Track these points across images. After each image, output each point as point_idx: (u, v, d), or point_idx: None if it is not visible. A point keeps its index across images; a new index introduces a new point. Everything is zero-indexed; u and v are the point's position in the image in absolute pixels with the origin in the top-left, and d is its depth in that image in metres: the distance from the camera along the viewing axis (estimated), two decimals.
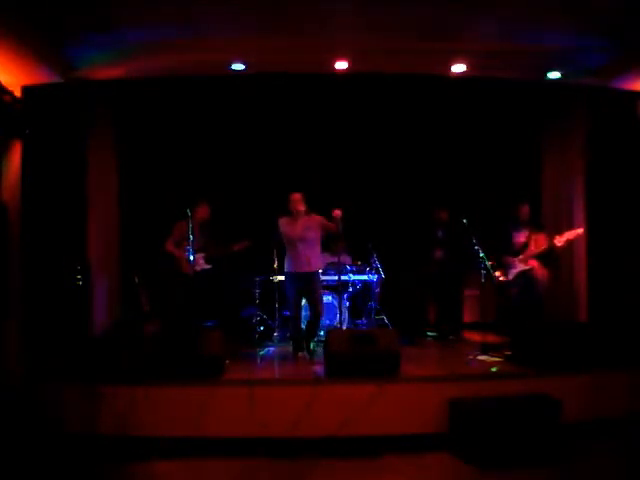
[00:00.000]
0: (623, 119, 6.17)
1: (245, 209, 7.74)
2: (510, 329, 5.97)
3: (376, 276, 7.37)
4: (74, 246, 6.09)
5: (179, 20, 5.30)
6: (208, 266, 6.80)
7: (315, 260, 6.16)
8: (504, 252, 6.60)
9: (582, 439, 4.69)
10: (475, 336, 7.00)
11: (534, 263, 6.48)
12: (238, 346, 6.62)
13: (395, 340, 5.16)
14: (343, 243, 7.12)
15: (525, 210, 6.65)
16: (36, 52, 5.33)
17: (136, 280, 6.96)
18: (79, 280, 6.01)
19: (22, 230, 5.14)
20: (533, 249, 6.45)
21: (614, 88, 6.21)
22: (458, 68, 6.21)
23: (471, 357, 5.76)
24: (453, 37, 5.64)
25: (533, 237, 6.51)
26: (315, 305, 6.15)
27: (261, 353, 6.49)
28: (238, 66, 6.13)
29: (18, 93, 5.07)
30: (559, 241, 6.14)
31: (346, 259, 7.46)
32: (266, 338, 7.16)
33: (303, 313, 6.37)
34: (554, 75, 6.35)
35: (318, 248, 6.25)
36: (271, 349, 6.76)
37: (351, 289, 7.35)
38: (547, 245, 6.30)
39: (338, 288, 6.73)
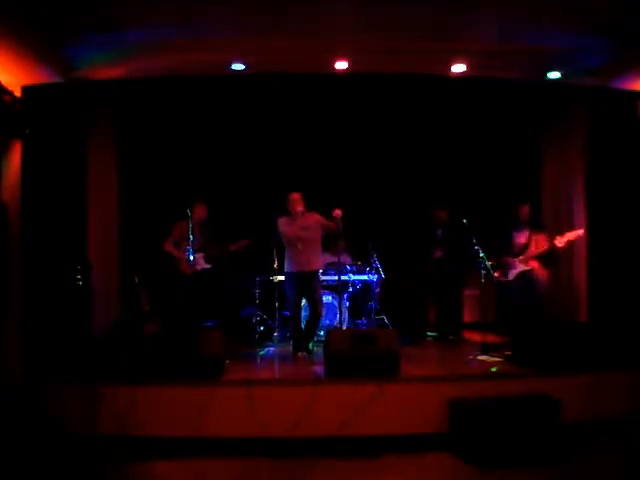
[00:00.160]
0: (623, 119, 6.17)
1: (245, 209, 7.74)
2: (510, 329, 5.97)
3: (376, 276, 7.37)
4: (74, 246, 6.09)
5: (179, 20, 5.30)
6: (208, 266, 6.80)
7: (315, 260, 6.16)
8: (504, 252, 6.60)
9: (582, 439, 4.69)
10: (475, 336, 7.00)
11: (534, 264, 6.47)
12: (238, 346, 6.62)
13: (395, 340, 5.16)
14: (343, 243, 7.13)
15: (525, 210, 6.64)
16: (36, 52, 5.33)
17: (136, 280, 6.96)
18: (79, 280, 6.00)
19: (22, 230, 5.14)
20: (533, 250, 6.45)
21: (614, 88, 6.21)
22: (458, 68, 6.21)
23: (471, 357, 5.76)
24: (453, 37, 5.64)
25: (533, 238, 6.50)
26: (314, 305, 6.15)
27: (261, 353, 6.49)
28: (238, 66, 6.13)
29: (18, 93, 5.07)
30: (560, 242, 6.14)
31: (346, 259, 7.46)
32: (266, 338, 7.16)
33: (303, 313, 6.37)
34: (554, 75, 6.36)
35: (318, 248, 6.26)
36: (271, 349, 6.76)
37: (351, 289, 7.35)
38: (548, 246, 6.30)
39: (338, 288, 6.73)
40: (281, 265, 6.55)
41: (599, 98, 6.41)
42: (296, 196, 6.13)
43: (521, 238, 6.60)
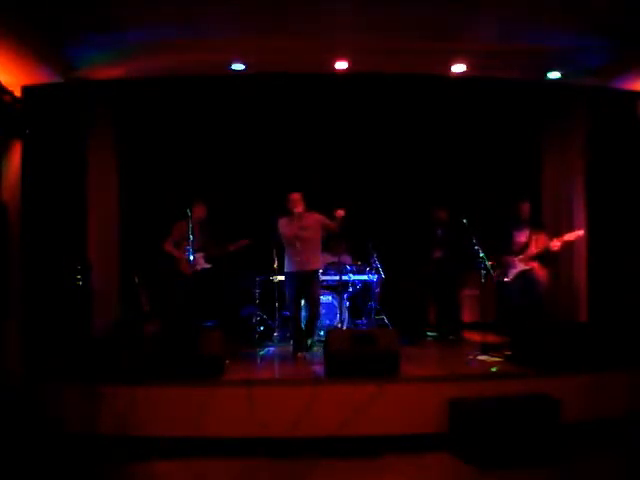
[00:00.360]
0: (623, 119, 6.17)
1: (245, 209, 7.74)
2: (510, 329, 5.97)
3: (376, 276, 7.37)
4: (74, 246, 6.10)
5: (179, 20, 5.30)
6: (208, 265, 6.80)
7: (314, 260, 6.17)
8: (504, 252, 6.60)
9: (582, 439, 4.69)
10: (475, 336, 7.00)
11: (534, 263, 6.47)
12: (238, 346, 6.61)
13: (395, 340, 5.16)
14: (343, 243, 7.14)
15: (526, 208, 6.64)
16: (36, 52, 5.33)
17: (136, 280, 6.96)
18: (79, 280, 6.01)
19: (22, 230, 5.14)
20: (533, 249, 6.45)
21: (614, 88, 6.21)
22: (458, 68, 6.21)
23: (471, 357, 5.76)
24: (453, 37, 5.64)
25: (534, 237, 6.50)
26: (312, 305, 6.16)
27: (261, 353, 6.48)
28: (238, 66, 6.13)
29: (18, 93, 5.06)
30: (555, 245, 6.17)
31: (346, 259, 7.46)
32: (266, 338, 7.16)
33: (303, 313, 6.37)
34: (554, 75, 6.35)
35: (318, 248, 6.26)
36: (271, 349, 6.76)
37: (351, 289, 7.35)
38: (545, 245, 6.31)
39: (338, 288, 6.73)
40: (281, 265, 6.55)
41: (599, 98, 6.41)
42: (296, 196, 6.14)
43: (521, 237, 6.60)
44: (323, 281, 6.93)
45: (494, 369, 5.36)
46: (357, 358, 4.97)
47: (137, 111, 7.21)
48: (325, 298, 7.14)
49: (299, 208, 6.08)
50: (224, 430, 4.67)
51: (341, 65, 6.14)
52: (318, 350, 6.19)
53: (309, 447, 4.60)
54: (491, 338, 6.40)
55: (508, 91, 6.90)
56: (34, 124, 5.24)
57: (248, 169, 7.90)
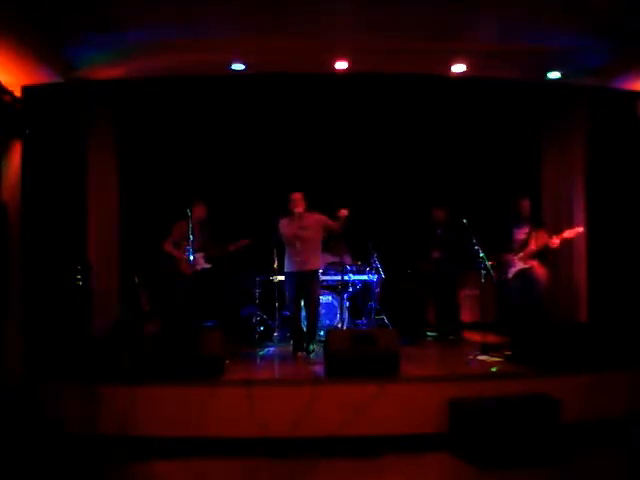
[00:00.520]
0: (623, 119, 6.17)
1: (245, 209, 7.74)
2: (510, 329, 5.97)
3: (376, 276, 7.37)
4: (74, 246, 6.09)
5: (179, 20, 5.30)
6: (208, 265, 6.80)
7: (314, 259, 6.17)
8: (504, 250, 6.59)
9: (582, 439, 4.69)
10: (475, 336, 7.00)
11: (534, 262, 6.47)
12: (238, 346, 6.61)
13: (395, 340, 5.16)
14: (343, 243, 7.14)
15: (526, 204, 6.62)
16: (36, 52, 5.33)
17: (136, 280, 6.95)
18: (79, 280, 6.01)
19: (22, 230, 5.14)
20: (533, 247, 6.44)
21: (614, 88, 6.21)
22: (458, 68, 6.21)
23: (471, 357, 5.76)
24: (453, 37, 5.64)
25: (534, 234, 6.50)
26: (312, 305, 6.15)
27: (261, 353, 6.48)
28: (238, 66, 6.13)
29: (18, 93, 5.06)
30: (554, 243, 6.17)
31: (346, 259, 7.46)
32: (266, 338, 7.16)
33: (303, 313, 6.37)
34: (554, 75, 6.35)
35: (318, 248, 6.26)
36: (271, 349, 6.75)
37: (351, 289, 7.35)
38: (544, 243, 6.31)
39: (338, 288, 6.72)
40: (281, 265, 6.55)
41: (599, 98, 6.41)
42: (297, 196, 6.14)
43: (521, 234, 6.59)
44: (323, 281, 6.93)
45: (494, 369, 5.36)
46: (357, 358, 4.97)
47: (137, 111, 7.21)
48: (325, 298, 7.14)
49: (300, 208, 6.09)
50: (224, 430, 4.67)
51: (341, 65, 6.14)
52: (318, 349, 6.18)
53: (309, 447, 4.60)
54: (491, 338, 6.40)
55: (508, 91, 6.90)
56: (34, 124, 5.24)
57: (248, 169, 7.90)
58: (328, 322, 7.12)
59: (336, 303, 7.11)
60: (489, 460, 4.29)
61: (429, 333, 7.42)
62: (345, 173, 7.93)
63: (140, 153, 7.45)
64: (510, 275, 6.52)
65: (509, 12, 5.22)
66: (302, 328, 6.29)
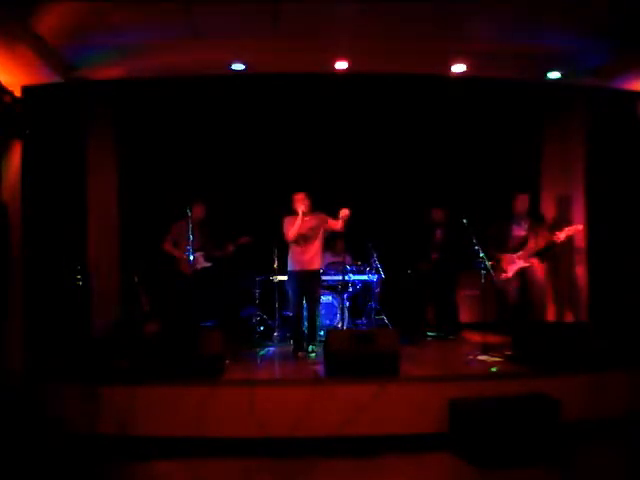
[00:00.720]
0: (623, 119, 6.17)
1: (245, 209, 7.74)
2: (510, 329, 5.97)
3: (376, 276, 7.37)
4: (74, 246, 6.10)
5: (179, 20, 5.29)
6: (208, 264, 6.80)
7: (317, 259, 6.18)
8: (503, 248, 6.58)
9: (582, 439, 4.69)
10: (475, 336, 6.99)
11: (534, 260, 6.47)
12: (238, 346, 6.61)
13: (395, 340, 5.16)
14: (343, 243, 7.13)
15: (525, 200, 6.61)
16: (36, 52, 5.32)
17: (136, 280, 6.96)
18: (79, 280, 6.01)
19: (22, 230, 5.14)
20: (533, 246, 6.43)
21: (614, 88, 6.20)
22: (458, 68, 6.20)
23: (471, 357, 5.76)
24: (453, 37, 5.64)
25: (533, 231, 6.49)
26: (312, 305, 6.15)
27: (261, 353, 6.48)
28: (238, 66, 6.12)
29: (18, 93, 5.07)
30: (558, 237, 6.16)
31: (346, 259, 7.46)
32: (266, 338, 7.16)
33: (304, 313, 6.37)
34: (554, 75, 6.34)
35: (320, 247, 6.26)
36: (271, 349, 6.75)
37: (351, 289, 7.35)
38: (547, 241, 6.30)
39: (338, 288, 6.72)
40: (281, 265, 6.55)
41: (599, 98, 6.41)
42: (300, 196, 6.16)
43: (520, 231, 6.59)
44: (323, 281, 6.93)
45: (494, 369, 5.36)
46: (357, 358, 4.97)
47: (137, 111, 7.22)
48: (325, 298, 7.14)
49: (303, 207, 6.10)
50: (224, 430, 4.67)
51: (341, 65, 6.13)
52: (318, 349, 6.18)
53: (309, 447, 4.60)
54: (491, 338, 6.39)
55: (508, 91, 6.90)
56: (34, 124, 5.24)
57: (248, 169, 7.90)
58: (328, 322, 7.12)
59: (336, 303, 7.11)
60: (489, 460, 4.29)
61: (429, 333, 7.41)
62: (345, 173, 7.92)
63: (140, 153, 7.45)
64: (510, 273, 6.52)
65: (509, 12, 5.22)
66: (303, 328, 6.29)
